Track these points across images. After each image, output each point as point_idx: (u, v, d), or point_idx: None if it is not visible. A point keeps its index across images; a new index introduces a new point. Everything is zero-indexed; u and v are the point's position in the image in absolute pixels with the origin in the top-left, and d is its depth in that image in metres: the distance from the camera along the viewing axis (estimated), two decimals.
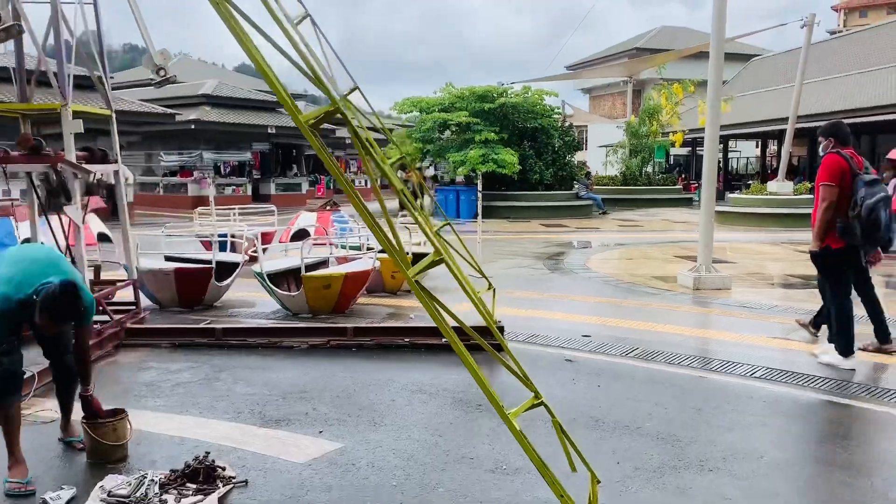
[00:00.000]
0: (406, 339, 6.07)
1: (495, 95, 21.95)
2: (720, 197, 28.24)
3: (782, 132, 21.90)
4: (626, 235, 16.59)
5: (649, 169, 30.76)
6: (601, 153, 34.53)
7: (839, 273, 5.41)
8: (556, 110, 23.58)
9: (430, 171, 35.01)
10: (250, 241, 8.90)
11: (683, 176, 37.08)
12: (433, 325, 6.61)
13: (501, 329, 6.01)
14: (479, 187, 10.56)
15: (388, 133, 5.15)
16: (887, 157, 14.12)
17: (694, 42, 43.70)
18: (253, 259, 8.32)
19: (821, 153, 5.56)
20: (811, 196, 19.66)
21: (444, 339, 5.86)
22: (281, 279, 7.76)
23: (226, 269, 8.04)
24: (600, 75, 34.02)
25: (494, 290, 5.98)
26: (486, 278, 5.95)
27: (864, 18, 59.28)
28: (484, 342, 3.02)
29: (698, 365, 5.53)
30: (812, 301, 8.03)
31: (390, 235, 2.73)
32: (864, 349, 5.67)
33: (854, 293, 5.55)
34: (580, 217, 21.61)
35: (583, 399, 4.73)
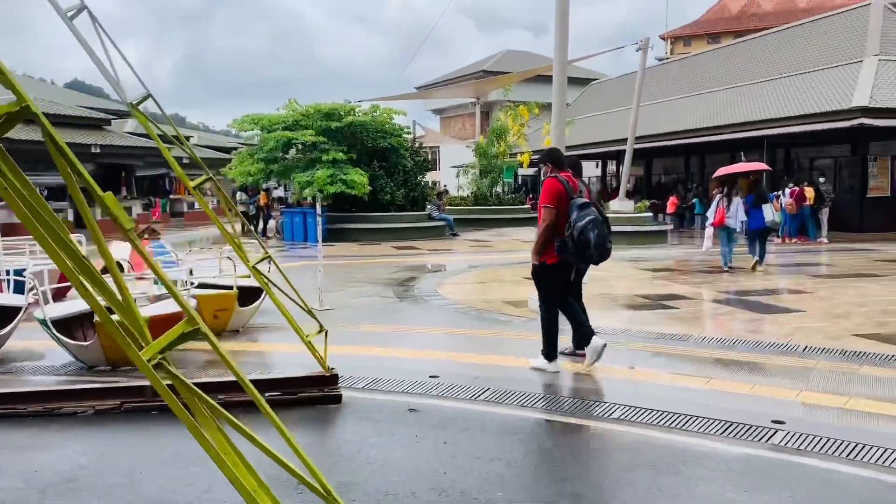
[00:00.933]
0: (221, 397, 5.10)
1: (342, 114, 21.17)
2: None
3: (620, 153, 22.72)
4: (478, 257, 16.30)
5: (499, 189, 31.17)
6: (454, 174, 34.70)
7: (551, 286, 5.88)
8: (405, 130, 23.16)
9: (279, 192, 33.48)
10: (39, 277, 7.49)
11: (531, 196, 38.04)
12: (258, 377, 5.68)
13: (335, 378, 5.20)
14: (318, 210, 9.68)
15: (187, 147, 4.25)
16: (713, 175, 15.11)
17: (538, 65, 45.35)
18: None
19: (542, 178, 6.08)
20: (650, 214, 20.52)
21: (268, 394, 4.96)
22: (76, 325, 6.51)
23: (5, 315, 6.66)
24: (449, 95, 34.22)
25: (326, 332, 5.18)
26: (316, 319, 5.14)
27: (688, 47, 64.33)
28: (261, 401, 2.21)
29: (549, 407, 5.01)
30: (660, 323, 7.90)
31: (116, 293, 1.87)
32: (562, 352, 6.15)
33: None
34: (432, 238, 21.21)
35: (426, 464, 4.02)
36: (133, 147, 28.06)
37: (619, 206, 19.57)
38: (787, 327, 7.60)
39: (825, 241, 18.74)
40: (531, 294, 8.90)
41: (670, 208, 24.69)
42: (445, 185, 35.65)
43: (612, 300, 9.68)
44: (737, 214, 12.63)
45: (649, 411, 4.81)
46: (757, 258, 12.70)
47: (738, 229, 12.86)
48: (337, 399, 5.11)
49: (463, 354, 6.68)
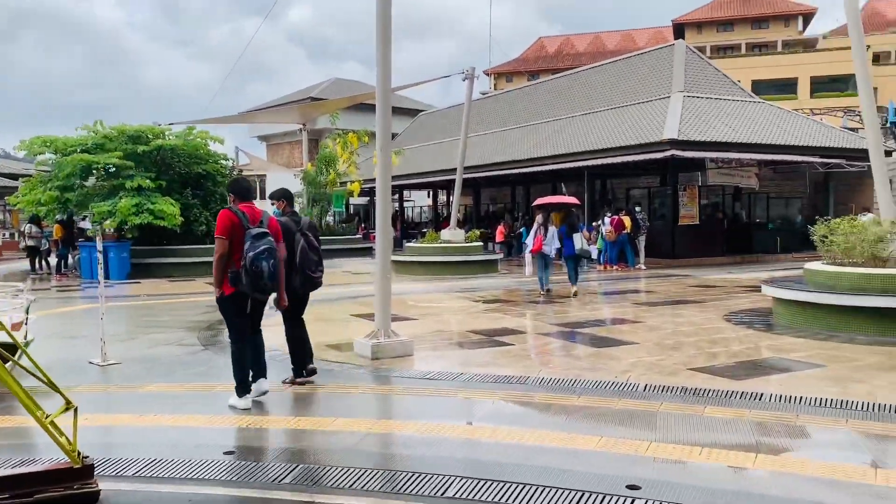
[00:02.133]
0: None
1: (150, 137, 19.19)
2: (398, 245, 28.55)
3: (450, 182, 22.52)
4: None
5: (330, 219, 30.06)
6: None
7: (231, 317, 5.88)
8: (223, 156, 21.49)
9: (85, 225, 30.13)
10: None
11: (364, 225, 37.24)
12: None
13: (89, 470, 3.94)
14: (99, 246, 8.12)
15: None
16: (533, 204, 15.58)
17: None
18: None
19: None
20: (481, 243, 20.39)
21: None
22: None
23: None
24: (274, 120, 32.78)
25: (76, 409, 3.95)
26: (61, 394, 3.90)
27: (510, 83, 67.13)
28: None
29: (384, 486, 4.10)
30: (496, 363, 7.28)
31: None
32: (286, 382, 6.43)
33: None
34: None
35: None
36: None
37: (451, 236, 19.25)
38: (624, 362, 7.27)
39: (643, 267, 19.52)
40: (357, 337, 8.00)
41: (499, 237, 24.88)
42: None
43: (446, 338, 8.98)
44: (552, 242, 13.51)
45: (491, 484, 4.03)
46: (575, 287, 13.54)
47: (552, 255, 13.72)
48: (92, 498, 3.87)
49: (272, 417, 5.62)
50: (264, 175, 55.69)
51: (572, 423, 5.26)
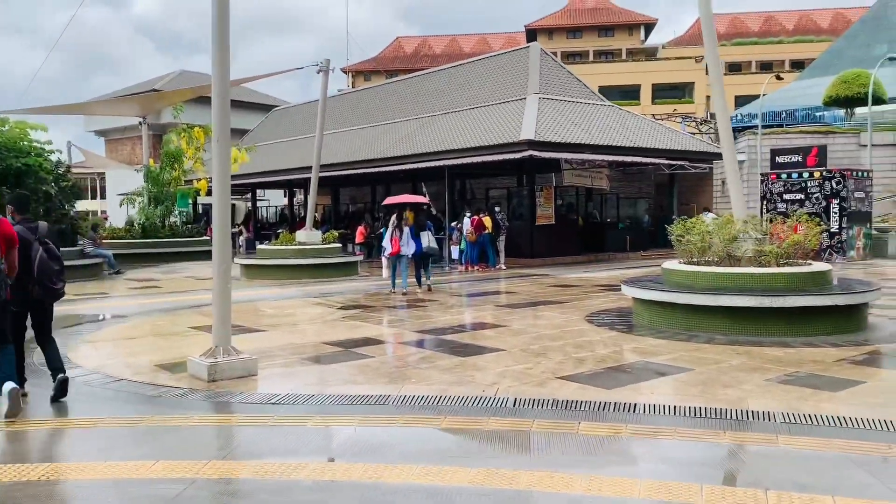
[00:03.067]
0: None
1: None
2: (251, 247, 26.97)
3: (307, 180, 21.49)
4: (138, 301, 13.60)
5: (174, 219, 27.93)
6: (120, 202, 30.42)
7: None
8: (48, 145, 19.04)
9: None
10: None
11: (211, 227, 35.09)
12: None
13: None
14: None
15: None
16: (382, 203, 15.38)
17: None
18: None
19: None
20: (339, 244, 19.51)
21: None
22: None
23: None
24: (110, 112, 29.97)
25: None
26: None
27: (368, 81, 66.27)
28: None
29: None
30: (355, 380, 6.55)
31: None
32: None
33: None
34: (85, 279, 17.67)
35: None
36: None
37: (306, 238, 18.21)
38: (491, 373, 6.77)
39: (503, 267, 19.46)
40: (192, 355, 6.99)
41: (359, 238, 24.06)
42: (106, 214, 31.09)
43: (298, 351, 8.11)
44: (409, 242, 13.95)
45: None
46: (428, 281, 14.46)
47: (409, 255, 14.11)
48: None
49: (71, 464, 4.56)
50: (103, 173, 51.46)
51: (441, 452, 4.64)
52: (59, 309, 12.19)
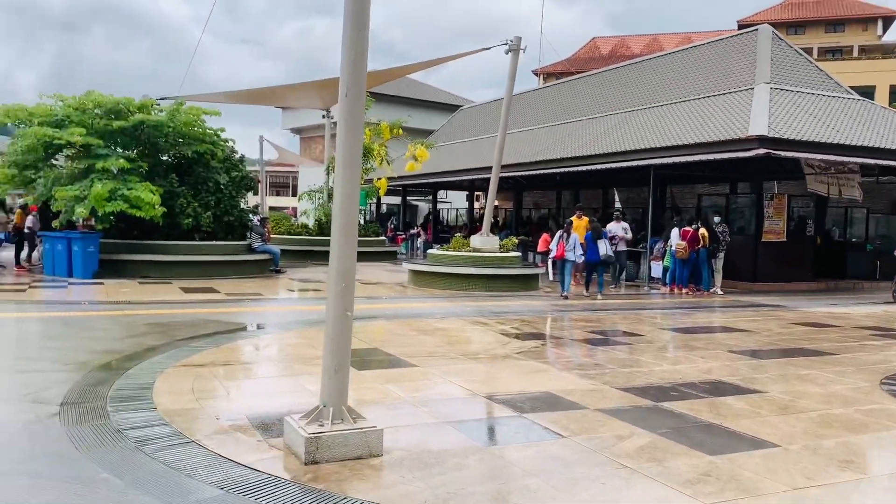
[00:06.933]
0: None
1: (131, 110, 16.21)
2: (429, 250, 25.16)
3: (488, 181, 19.11)
4: (288, 308, 11.90)
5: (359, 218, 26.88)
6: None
7: None
8: (221, 132, 18.26)
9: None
10: None
11: (393, 226, 34.07)
12: None
13: None
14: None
15: None
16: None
17: (402, 86, 41.78)
18: None
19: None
20: (519, 253, 16.94)
21: None
22: None
23: None
24: (289, 104, 29.68)
25: None
26: None
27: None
28: None
29: None
30: (537, 492, 3.87)
31: None
32: None
33: None
34: (246, 276, 16.54)
35: None
36: None
37: (482, 244, 15.80)
38: (770, 499, 3.78)
39: (720, 291, 15.84)
40: (290, 417, 4.67)
41: (542, 246, 21.33)
42: (294, 210, 30.89)
43: (452, 411, 5.54)
44: (574, 248, 14.17)
45: None
46: (600, 291, 14.58)
47: (575, 261, 14.30)
48: None
49: None
50: (296, 171, 53.05)
51: None
52: (198, 312, 10.75)
